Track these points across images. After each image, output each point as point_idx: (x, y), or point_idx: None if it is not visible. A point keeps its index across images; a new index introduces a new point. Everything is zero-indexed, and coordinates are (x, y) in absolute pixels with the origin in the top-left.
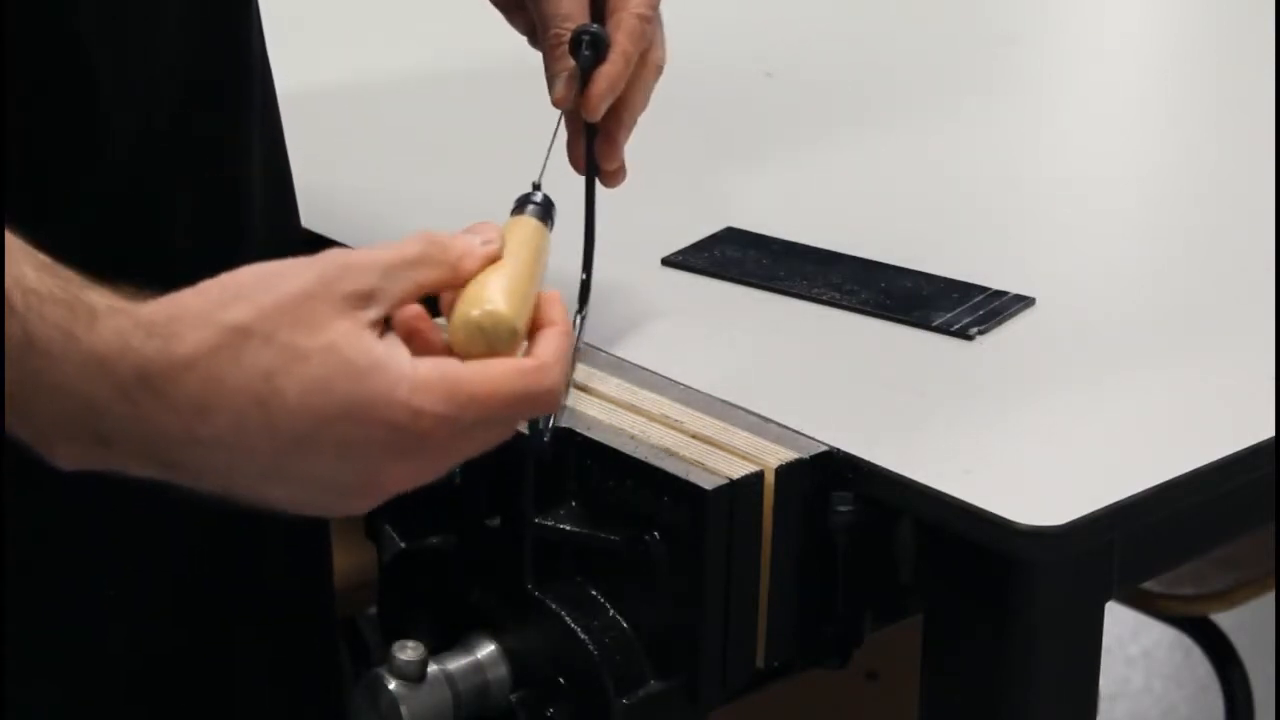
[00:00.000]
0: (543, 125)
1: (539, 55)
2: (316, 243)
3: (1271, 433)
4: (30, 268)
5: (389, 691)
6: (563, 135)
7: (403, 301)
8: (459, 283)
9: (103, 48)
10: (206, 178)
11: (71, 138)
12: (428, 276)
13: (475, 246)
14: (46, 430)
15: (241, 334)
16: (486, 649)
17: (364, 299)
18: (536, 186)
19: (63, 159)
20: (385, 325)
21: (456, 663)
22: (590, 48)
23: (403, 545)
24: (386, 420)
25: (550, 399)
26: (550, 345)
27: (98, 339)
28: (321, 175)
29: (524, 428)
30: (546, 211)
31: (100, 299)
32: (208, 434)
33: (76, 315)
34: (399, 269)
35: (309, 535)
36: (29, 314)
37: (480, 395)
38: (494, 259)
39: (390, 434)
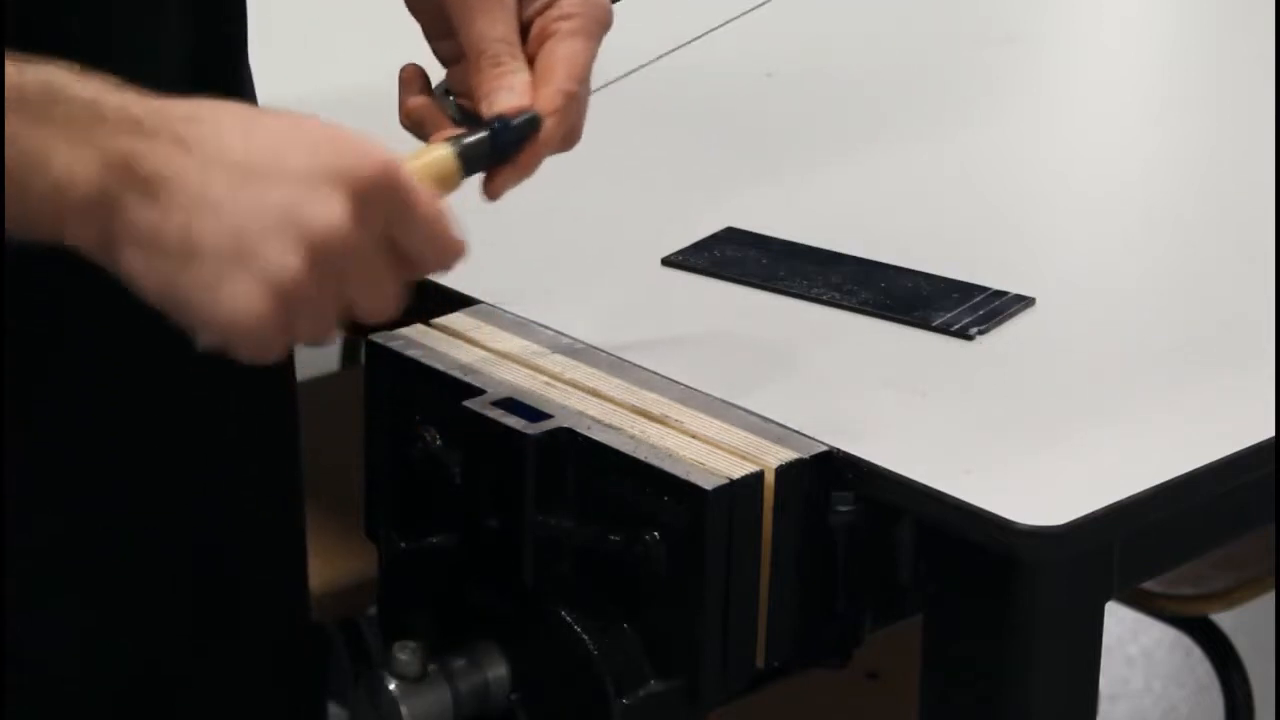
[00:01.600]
0: None
1: None
2: None
3: (1271, 433)
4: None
5: (389, 691)
6: None
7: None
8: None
9: (98, 51)
10: None
11: None
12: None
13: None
14: (61, 168)
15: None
16: (486, 649)
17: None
18: (498, 120)
19: None
20: None
21: (456, 663)
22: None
23: (403, 545)
24: (349, 147)
25: (451, 232)
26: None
27: (100, 82)
28: None
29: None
30: (479, 145)
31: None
32: (191, 134)
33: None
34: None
35: (287, 540)
36: (39, 66)
37: (414, 180)
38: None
39: (340, 160)
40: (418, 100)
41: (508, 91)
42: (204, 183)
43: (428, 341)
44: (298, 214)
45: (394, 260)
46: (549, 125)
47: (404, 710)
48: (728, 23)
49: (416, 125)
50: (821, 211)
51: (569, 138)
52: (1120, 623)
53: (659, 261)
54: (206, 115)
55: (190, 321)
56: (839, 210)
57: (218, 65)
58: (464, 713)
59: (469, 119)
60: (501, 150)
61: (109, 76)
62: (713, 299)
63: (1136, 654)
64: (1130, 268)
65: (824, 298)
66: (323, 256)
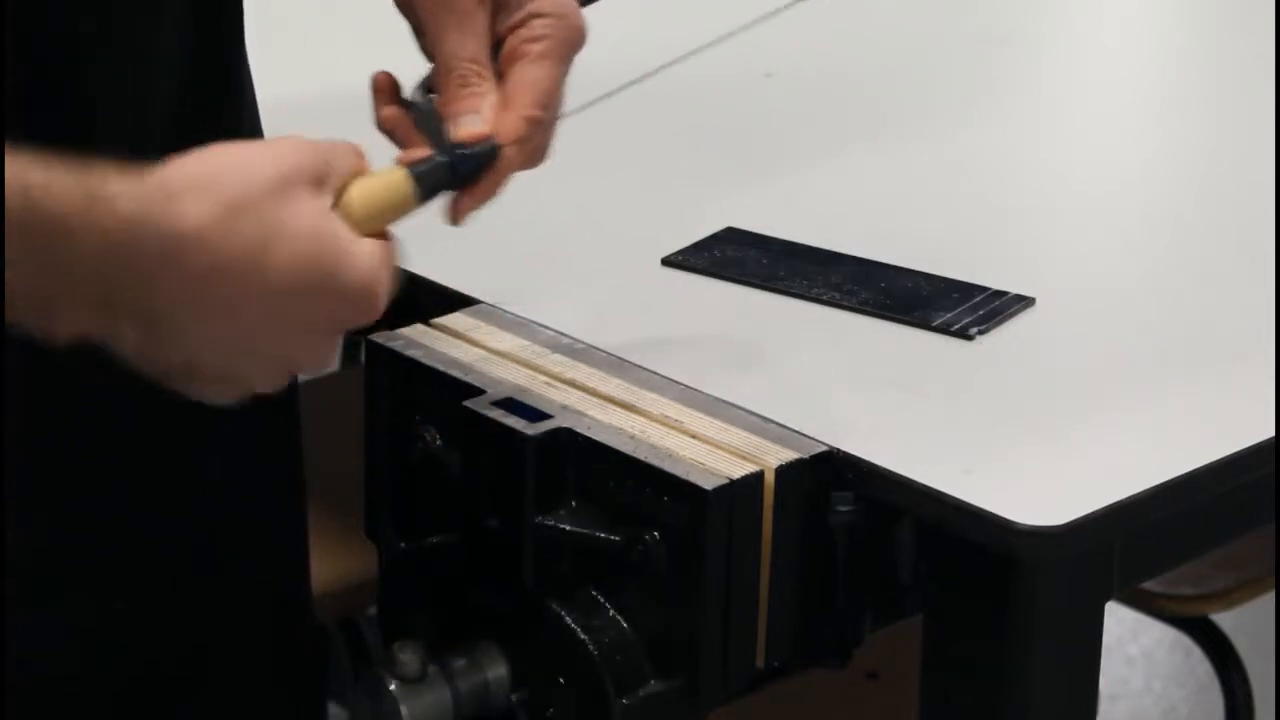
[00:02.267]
0: None
1: None
2: None
3: (1271, 433)
4: (37, 166)
5: (389, 691)
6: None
7: (343, 177)
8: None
9: (98, 51)
10: None
11: (66, 141)
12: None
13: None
14: (54, 302)
15: (238, 208)
16: (486, 649)
17: (321, 178)
18: (457, 147)
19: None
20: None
21: (456, 663)
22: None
23: (403, 545)
24: (353, 290)
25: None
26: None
27: (119, 207)
28: None
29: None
30: (437, 171)
31: (112, 179)
32: (213, 297)
33: (97, 187)
34: (339, 151)
35: (289, 539)
36: (49, 195)
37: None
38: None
39: (348, 313)
40: (389, 112)
41: (471, 116)
42: (210, 335)
43: (427, 341)
44: (296, 363)
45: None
46: (509, 153)
47: (404, 710)
48: (741, 29)
49: (389, 135)
50: (821, 211)
51: (533, 159)
52: (1120, 623)
53: (659, 261)
54: (220, 271)
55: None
56: (839, 210)
57: (217, 66)
58: (464, 713)
59: (430, 118)
60: (461, 178)
61: (127, 168)
62: (713, 299)
63: (1136, 654)
64: (1130, 268)
65: (824, 298)
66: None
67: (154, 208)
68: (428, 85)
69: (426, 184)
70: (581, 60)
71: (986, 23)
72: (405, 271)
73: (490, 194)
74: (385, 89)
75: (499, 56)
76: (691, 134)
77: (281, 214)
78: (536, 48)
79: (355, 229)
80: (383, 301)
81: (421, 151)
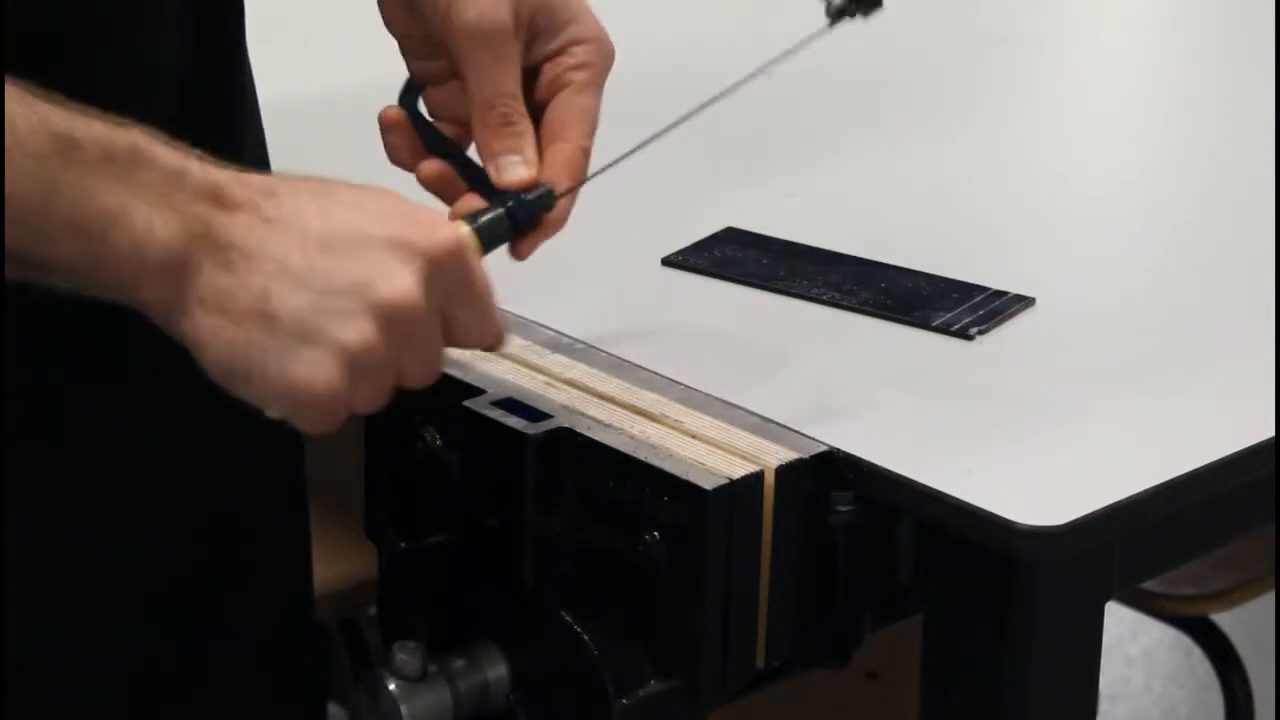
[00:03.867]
0: None
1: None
2: None
3: (1271, 433)
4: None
5: (389, 691)
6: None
7: None
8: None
9: (99, 50)
10: None
11: None
12: None
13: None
14: (144, 229)
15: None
16: (486, 649)
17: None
18: (513, 197)
19: None
20: None
21: (456, 663)
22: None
23: (403, 545)
24: (422, 221)
25: (500, 321)
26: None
27: (183, 150)
28: None
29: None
30: (498, 225)
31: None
32: (272, 210)
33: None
34: None
35: (291, 539)
36: (129, 127)
37: (479, 261)
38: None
39: (411, 236)
40: (430, 169)
41: (518, 161)
42: (283, 254)
43: None
44: (373, 284)
45: (444, 332)
46: (565, 188)
47: (404, 710)
48: (785, 55)
49: (435, 193)
50: (821, 211)
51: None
52: (1120, 623)
53: (659, 261)
54: (284, 189)
55: (255, 390)
56: (839, 210)
57: (217, 66)
58: (464, 713)
59: (444, 144)
60: (518, 226)
61: (192, 148)
62: (713, 299)
63: (1136, 654)
64: (1130, 268)
65: (824, 298)
66: (392, 325)
67: (229, 170)
68: (418, 90)
69: (487, 238)
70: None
71: (987, 23)
72: None
73: (552, 234)
74: (401, 125)
75: (536, 84)
76: (692, 134)
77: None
78: (580, 76)
79: None
80: (452, 235)
81: (475, 200)
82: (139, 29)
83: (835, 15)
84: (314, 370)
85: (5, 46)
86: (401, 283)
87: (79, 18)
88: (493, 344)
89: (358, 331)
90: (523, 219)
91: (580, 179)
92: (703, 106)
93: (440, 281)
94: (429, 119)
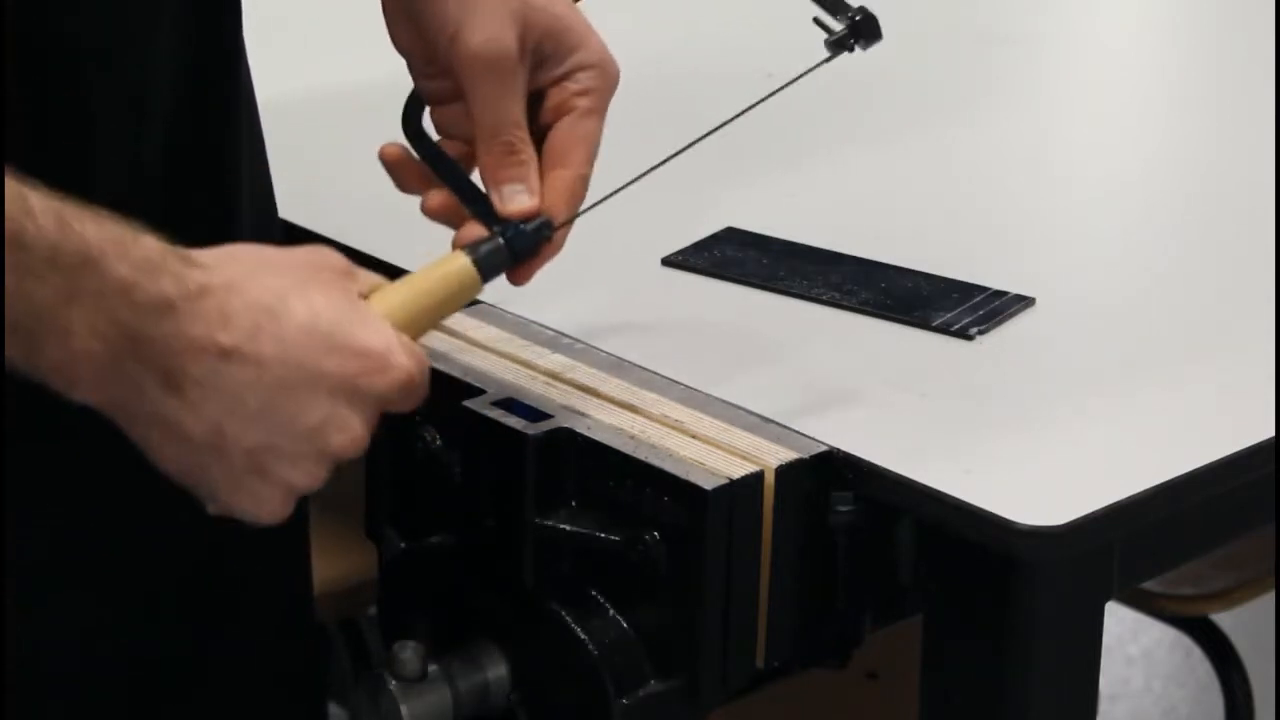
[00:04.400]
0: None
1: None
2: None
3: (1271, 433)
4: (72, 202)
5: (389, 691)
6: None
7: (371, 284)
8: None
9: (96, 49)
10: (199, 182)
11: (64, 140)
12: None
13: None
14: (83, 341)
15: (258, 266)
16: (486, 649)
17: (348, 274)
18: (512, 227)
19: (55, 161)
20: None
21: (456, 663)
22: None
23: (403, 545)
24: (375, 354)
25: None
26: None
27: (146, 245)
28: (296, 182)
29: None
30: (497, 255)
31: (142, 231)
32: (227, 341)
33: (126, 230)
34: (363, 275)
35: (291, 540)
36: (85, 227)
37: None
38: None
39: (365, 375)
40: (438, 200)
41: (521, 190)
42: (237, 392)
43: (428, 341)
44: (326, 433)
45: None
46: (563, 215)
47: (404, 710)
48: (805, 73)
49: (441, 221)
50: (821, 211)
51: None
52: (1120, 623)
53: (659, 261)
54: (239, 306)
55: (202, 496)
56: (839, 210)
57: (217, 66)
58: (464, 713)
59: (445, 163)
60: (516, 256)
61: (153, 233)
62: (713, 299)
63: (1136, 654)
64: (1130, 268)
65: (824, 298)
66: (338, 461)
67: (180, 257)
68: (416, 107)
69: (486, 268)
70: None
71: (987, 22)
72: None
73: (549, 259)
74: (402, 161)
75: (541, 109)
76: (692, 134)
77: (304, 277)
78: (584, 102)
79: (425, 317)
80: (404, 372)
81: (476, 229)
82: (137, 30)
83: (834, 47)
84: (260, 502)
85: (5, 46)
86: (353, 433)
87: (76, 19)
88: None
89: (307, 475)
90: (521, 249)
91: (578, 207)
92: (697, 141)
93: (386, 406)
94: (432, 138)
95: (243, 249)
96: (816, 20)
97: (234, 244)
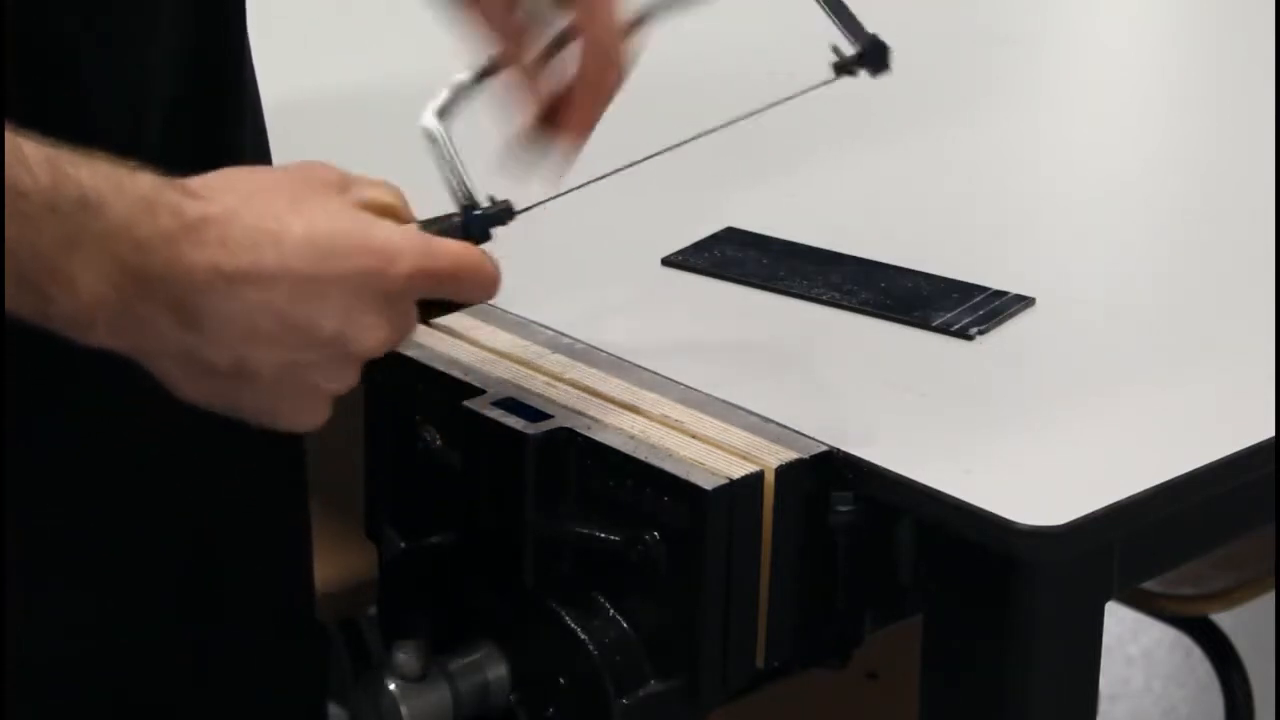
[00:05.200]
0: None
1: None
2: None
3: (1271, 433)
4: (64, 147)
5: (389, 691)
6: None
7: (363, 203)
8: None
9: (93, 49)
10: None
11: (63, 139)
12: (383, 196)
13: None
14: (91, 288)
15: (253, 190)
16: (486, 649)
17: (343, 186)
18: (465, 203)
19: None
20: None
21: (456, 663)
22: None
23: (403, 545)
24: (375, 247)
25: (493, 277)
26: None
27: (142, 182)
28: None
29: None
30: (450, 234)
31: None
32: (230, 267)
33: (121, 170)
34: (363, 182)
35: (293, 539)
36: (80, 172)
37: (448, 250)
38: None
39: (376, 268)
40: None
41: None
42: (249, 315)
43: (428, 341)
44: (347, 338)
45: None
46: (523, 208)
47: (404, 710)
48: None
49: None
50: (821, 211)
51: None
52: (1120, 623)
53: (659, 261)
54: (239, 229)
55: (239, 415)
56: (839, 210)
57: (219, 65)
58: (464, 713)
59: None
60: (469, 237)
61: (151, 169)
62: (713, 299)
63: (1136, 654)
64: (1130, 268)
65: (824, 298)
66: (373, 357)
67: (176, 188)
68: (484, 71)
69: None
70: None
71: (988, 22)
72: None
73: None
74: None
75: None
76: (692, 134)
77: (297, 193)
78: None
79: None
80: (409, 262)
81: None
82: (135, 29)
83: (839, 70)
84: (301, 415)
85: (5, 46)
86: (376, 334)
87: (75, 18)
88: (485, 297)
89: (336, 379)
90: (476, 231)
91: (554, 188)
92: (683, 143)
93: (409, 300)
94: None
95: (237, 173)
96: (834, 47)
97: (228, 169)
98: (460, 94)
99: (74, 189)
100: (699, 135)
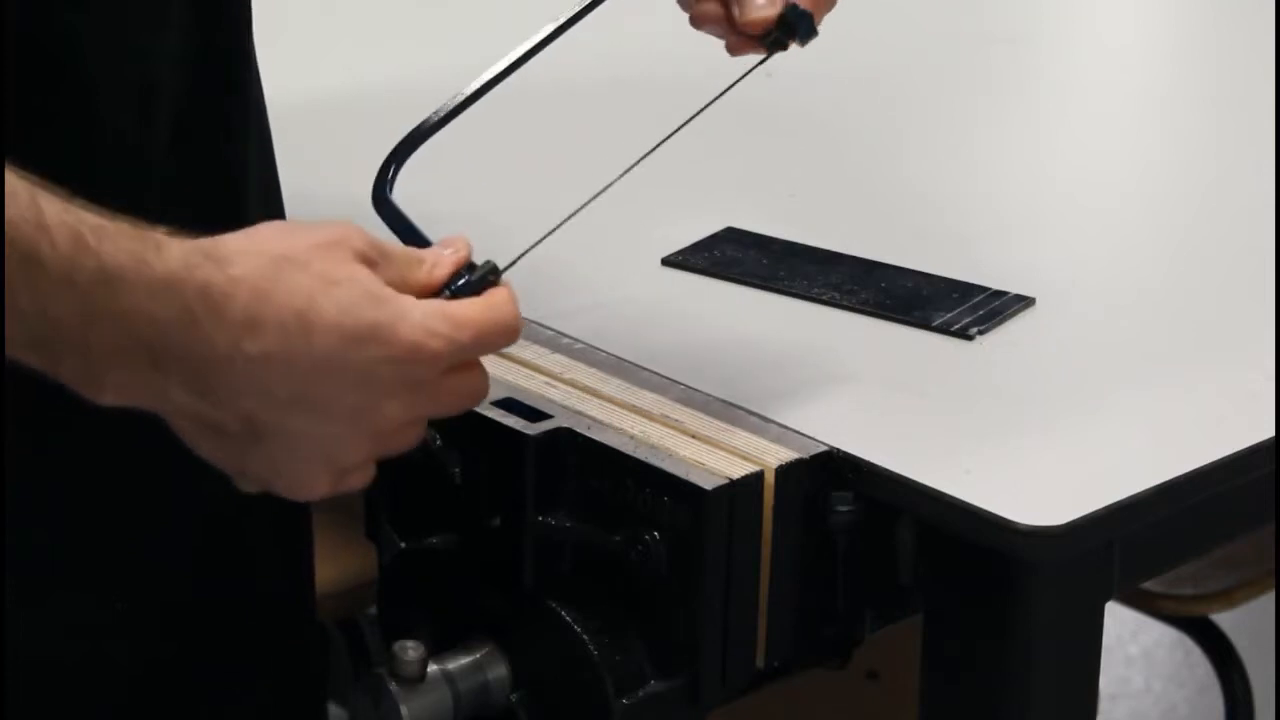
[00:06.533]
0: (531, 133)
1: (526, 69)
2: None
3: (1271, 433)
4: (89, 211)
5: (389, 691)
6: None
7: (393, 284)
8: (432, 287)
9: (100, 47)
10: (205, 182)
11: (68, 139)
12: (410, 273)
13: (444, 256)
14: (103, 358)
15: (284, 260)
16: (486, 649)
17: (373, 261)
18: (480, 268)
19: (58, 160)
20: None
21: (456, 663)
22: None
23: (403, 545)
24: (404, 341)
25: (514, 325)
26: (491, 294)
27: (168, 260)
28: (303, 184)
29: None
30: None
31: (159, 231)
32: (255, 349)
33: (145, 243)
34: (391, 255)
35: (293, 539)
36: (102, 245)
37: (472, 319)
38: (461, 264)
39: (403, 358)
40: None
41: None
42: (268, 390)
43: None
44: (362, 421)
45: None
46: (506, 265)
47: (404, 710)
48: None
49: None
50: (821, 211)
51: None
52: (1120, 623)
53: (659, 261)
54: (270, 320)
55: (241, 481)
56: (839, 210)
57: (223, 65)
58: (464, 713)
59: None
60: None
61: (178, 236)
62: (713, 299)
63: (1136, 654)
64: (1130, 267)
65: (824, 298)
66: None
67: (202, 260)
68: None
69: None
70: (582, 60)
71: (988, 23)
72: None
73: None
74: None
75: None
76: (692, 133)
77: (329, 270)
78: None
79: None
80: (431, 353)
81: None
82: (139, 30)
83: (772, 46)
84: (302, 482)
85: (5, 45)
86: (395, 414)
87: (80, 17)
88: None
89: (350, 456)
90: (462, 295)
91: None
92: (661, 142)
93: (434, 380)
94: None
95: (267, 235)
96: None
97: (260, 226)
98: (416, 142)
99: (93, 262)
100: (667, 137)
